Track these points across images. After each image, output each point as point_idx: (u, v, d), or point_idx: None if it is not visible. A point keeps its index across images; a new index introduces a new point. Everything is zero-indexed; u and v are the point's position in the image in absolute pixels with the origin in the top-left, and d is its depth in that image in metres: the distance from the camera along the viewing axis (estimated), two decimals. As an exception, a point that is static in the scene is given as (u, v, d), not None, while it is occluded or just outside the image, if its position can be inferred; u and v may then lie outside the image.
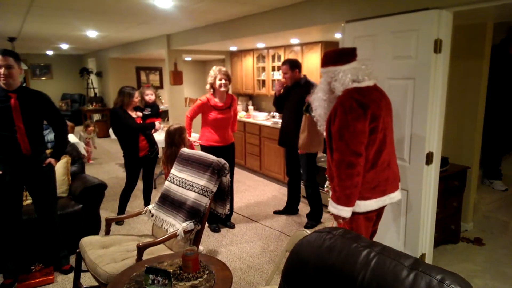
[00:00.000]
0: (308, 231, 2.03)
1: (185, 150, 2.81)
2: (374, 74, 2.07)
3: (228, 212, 2.57)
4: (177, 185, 2.66)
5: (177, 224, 2.45)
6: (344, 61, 2.00)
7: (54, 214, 2.92)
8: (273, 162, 5.32)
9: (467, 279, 1.13)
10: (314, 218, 3.85)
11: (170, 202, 2.64)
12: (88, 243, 2.42)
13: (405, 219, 2.61)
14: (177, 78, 6.24)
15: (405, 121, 2.51)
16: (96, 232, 3.42)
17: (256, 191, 5.08)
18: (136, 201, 4.47)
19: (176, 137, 3.38)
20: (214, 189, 2.44)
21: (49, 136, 3.97)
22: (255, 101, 6.80)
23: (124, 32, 5.89)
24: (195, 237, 2.41)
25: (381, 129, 1.95)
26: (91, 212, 3.38)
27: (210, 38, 5.19)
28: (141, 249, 2.14)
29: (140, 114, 3.98)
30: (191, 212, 2.44)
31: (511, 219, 3.77)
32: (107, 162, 6.81)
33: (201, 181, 2.49)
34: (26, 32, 5.74)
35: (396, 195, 2.11)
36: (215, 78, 3.54)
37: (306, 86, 3.49)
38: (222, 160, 2.47)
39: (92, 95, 10.44)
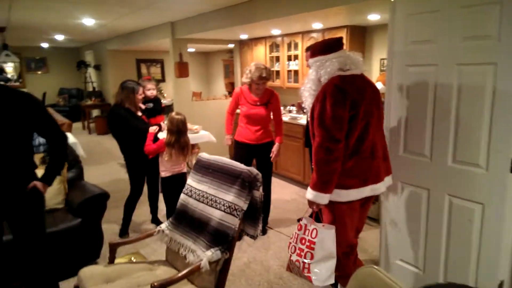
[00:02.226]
0: (379, 269, 1.55)
1: (204, 155, 2.32)
2: (361, 64, 2.05)
3: (261, 234, 2.07)
4: (196, 199, 2.17)
5: (199, 251, 1.97)
6: (331, 50, 2.02)
7: (42, 256, 2.16)
8: (290, 161, 4.83)
9: None
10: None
11: (188, 221, 2.16)
12: (89, 276, 1.94)
13: (479, 237, 2.12)
14: (182, 70, 5.71)
15: (482, 117, 2.00)
16: (97, 252, 2.95)
17: (273, 195, 4.58)
18: (141, 208, 3.96)
19: (184, 124, 3.15)
20: (245, 207, 1.95)
21: (40, 139, 3.40)
22: (267, 94, 6.27)
23: (124, 20, 5.35)
24: (222, 268, 1.93)
25: (363, 117, 1.94)
26: (91, 227, 2.89)
27: (219, 25, 4.66)
28: (156, 289, 1.66)
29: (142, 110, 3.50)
30: (217, 236, 1.95)
31: None
32: (107, 162, 6.32)
33: (227, 196, 1.99)
34: (15, 20, 5.20)
35: (379, 187, 2.08)
36: (251, 81, 3.23)
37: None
38: (254, 170, 1.97)
39: (91, 89, 9.92)
